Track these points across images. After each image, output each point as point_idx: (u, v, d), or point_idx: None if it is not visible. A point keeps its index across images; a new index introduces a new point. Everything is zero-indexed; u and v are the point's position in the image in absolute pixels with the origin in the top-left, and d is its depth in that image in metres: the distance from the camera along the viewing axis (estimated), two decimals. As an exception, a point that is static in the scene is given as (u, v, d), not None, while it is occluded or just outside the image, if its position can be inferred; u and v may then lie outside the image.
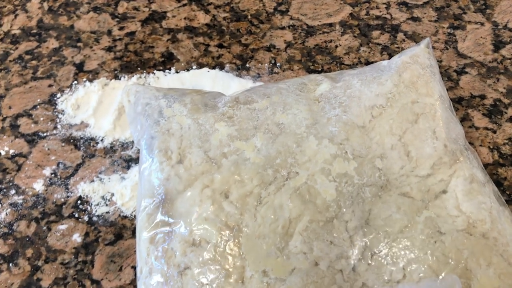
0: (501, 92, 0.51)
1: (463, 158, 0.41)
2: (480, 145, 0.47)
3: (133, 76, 0.54)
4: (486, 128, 0.49)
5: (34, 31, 0.59)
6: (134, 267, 0.41)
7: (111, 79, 0.54)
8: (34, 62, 0.56)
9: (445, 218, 0.38)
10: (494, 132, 0.48)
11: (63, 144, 0.49)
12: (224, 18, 0.58)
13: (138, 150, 0.48)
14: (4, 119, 0.51)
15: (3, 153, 0.49)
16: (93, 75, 0.54)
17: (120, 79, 0.54)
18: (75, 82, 0.54)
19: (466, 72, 0.52)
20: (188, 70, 0.54)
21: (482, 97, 0.51)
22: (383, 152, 0.42)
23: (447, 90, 0.48)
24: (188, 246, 0.37)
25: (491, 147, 0.47)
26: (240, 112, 0.43)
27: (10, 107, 0.52)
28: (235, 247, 0.37)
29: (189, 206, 0.38)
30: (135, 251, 0.42)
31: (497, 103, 0.50)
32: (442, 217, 0.38)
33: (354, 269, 0.36)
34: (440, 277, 0.35)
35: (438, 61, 0.53)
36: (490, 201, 0.38)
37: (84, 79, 0.54)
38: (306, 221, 0.38)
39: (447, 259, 0.36)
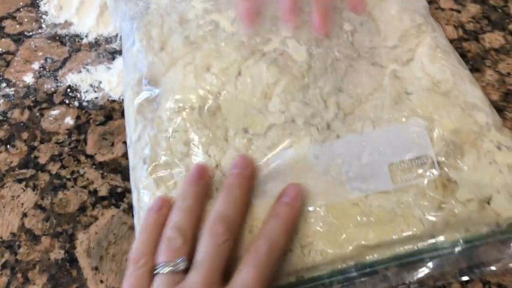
0: (466, -23, 0.53)
1: (428, 29, 0.43)
2: (446, 24, 0.50)
3: (112, -22, 0.55)
4: (451, 9, 0.51)
5: None
6: (125, 143, 0.44)
7: (91, -18, 0.55)
8: (13, -31, 0.57)
9: (411, 80, 0.40)
10: (459, 12, 0.51)
11: (49, 42, 0.51)
12: None
13: (121, 43, 0.50)
14: (-11, 22, 0.53)
15: (-9, 51, 0.50)
16: (73, -21, 0.55)
17: (100, -19, 0.55)
18: (56, -15, 0.55)
19: (433, -39, 0.55)
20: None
21: (448, -18, 0.53)
22: (354, 28, 0.44)
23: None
24: (173, 112, 0.39)
25: (456, 25, 0.50)
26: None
27: (-6, 11, 0.54)
28: (217, 110, 0.39)
29: (173, 82, 0.41)
30: (125, 129, 0.45)
31: (462, -14, 0.53)
32: (408, 79, 0.41)
33: (328, 126, 0.39)
34: (406, 120, 0.38)
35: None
36: (452, 65, 0.41)
37: (65, -17, 0.55)
38: (282, 85, 0.40)
39: (414, 113, 0.38)
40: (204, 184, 0.35)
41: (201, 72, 0.41)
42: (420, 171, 0.34)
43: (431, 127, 0.37)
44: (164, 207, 0.34)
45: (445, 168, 0.34)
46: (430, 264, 0.33)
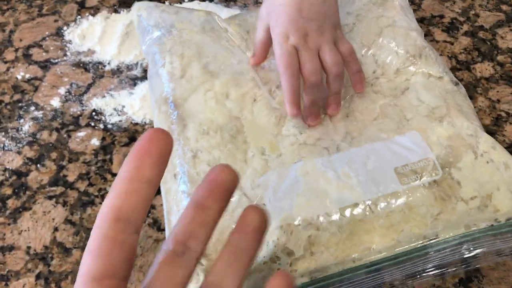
0: (457, 12, 0.59)
1: (421, 61, 0.48)
2: (440, 55, 0.55)
3: (131, 9, 0.59)
4: (445, 41, 0.56)
5: (35, -26, 0.64)
6: (148, 162, 0.48)
7: (111, 13, 0.59)
8: (38, 1, 0.61)
9: (409, 107, 0.45)
10: (452, 44, 0.56)
11: (73, 68, 0.55)
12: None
13: (142, 70, 0.54)
14: (16, 50, 0.56)
15: (19, 77, 0.54)
16: (95, 10, 0.60)
17: (119, 13, 0.59)
18: (79, 16, 0.59)
19: (427, -3, 0.60)
20: (180, 2, 0.60)
21: (441, 16, 0.58)
22: (358, 60, 0.48)
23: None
24: (199, 134, 0.43)
25: (450, 55, 0.55)
26: (239, 22, 0.49)
27: (21, 40, 0.57)
28: (237, 134, 0.43)
29: (196, 106, 0.45)
30: (148, 149, 0.48)
31: (454, 21, 0.58)
32: (407, 107, 0.45)
33: (337, 147, 0.43)
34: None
35: (402, -12, 0.60)
36: (445, 91, 0.46)
37: (87, 14, 0.59)
38: None
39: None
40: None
41: (221, 98, 0.45)
42: (424, 172, 0.38)
43: (427, 136, 0.41)
44: None
45: (447, 169, 0.38)
46: (433, 261, 0.37)
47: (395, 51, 0.48)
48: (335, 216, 0.37)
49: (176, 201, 0.40)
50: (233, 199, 0.39)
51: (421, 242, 0.37)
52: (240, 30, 0.50)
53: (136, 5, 0.50)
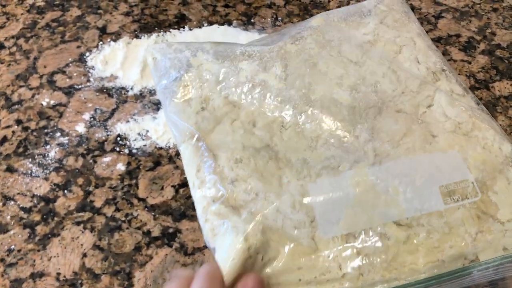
0: (474, 31, 0.59)
1: (443, 77, 0.49)
2: (458, 74, 0.55)
3: (151, 35, 0.61)
4: (463, 60, 0.57)
5: (57, 2, 0.65)
6: (173, 186, 0.48)
7: (132, 39, 0.60)
8: (61, 28, 0.62)
9: (435, 124, 0.45)
10: (470, 63, 0.56)
11: (97, 94, 0.56)
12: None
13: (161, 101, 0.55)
14: (41, 77, 0.58)
15: (44, 103, 0.55)
16: (116, 36, 0.61)
17: (140, 38, 0.60)
18: (101, 42, 0.60)
19: (443, 17, 0.61)
20: (200, 27, 0.61)
21: (458, 36, 0.59)
22: (377, 79, 0.49)
23: (427, 32, 0.56)
24: (233, 162, 0.43)
25: (468, 74, 0.55)
26: (257, 49, 0.50)
27: (45, 66, 0.58)
28: (270, 160, 0.44)
29: (223, 137, 0.45)
30: (173, 173, 0.49)
31: (471, 40, 0.58)
32: (433, 124, 0.45)
33: (372, 164, 0.43)
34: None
35: (417, 8, 0.61)
36: (469, 107, 0.46)
37: (109, 40, 0.60)
38: (324, 138, 0.45)
39: (443, 152, 0.43)
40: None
41: (249, 127, 0.46)
42: (465, 193, 0.39)
43: (465, 158, 0.42)
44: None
45: (484, 192, 0.39)
46: (472, 282, 0.38)
47: (416, 68, 0.48)
48: (382, 233, 0.38)
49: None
50: (273, 222, 0.40)
51: (461, 263, 0.38)
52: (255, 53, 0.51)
53: (148, 49, 0.51)
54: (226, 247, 0.39)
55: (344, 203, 0.40)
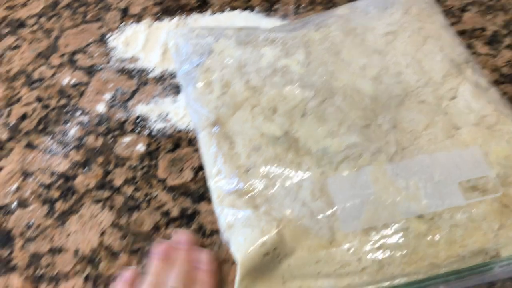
0: (499, 25, 0.58)
1: (467, 69, 0.48)
2: (483, 68, 0.55)
3: (173, 18, 0.60)
4: (488, 54, 0.56)
5: (80, -18, 0.65)
6: (193, 168, 0.48)
7: (154, 21, 0.60)
8: (82, 8, 0.62)
9: (459, 116, 0.45)
10: (494, 57, 0.56)
11: (118, 74, 0.55)
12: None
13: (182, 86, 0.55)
14: (62, 55, 0.57)
15: (65, 82, 0.55)
16: (138, 18, 0.61)
17: (162, 21, 0.60)
18: (123, 24, 0.60)
19: (468, 10, 0.60)
20: (222, 12, 0.61)
21: (483, 29, 0.58)
22: (400, 70, 0.49)
23: (451, 25, 0.55)
24: (251, 149, 0.43)
25: (493, 69, 0.55)
26: (280, 35, 0.50)
27: (66, 46, 0.58)
28: (289, 148, 0.43)
29: (242, 123, 0.45)
30: (192, 156, 0.49)
31: (496, 34, 0.58)
32: (456, 115, 0.45)
33: (391, 159, 0.43)
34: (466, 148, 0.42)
35: (442, 1, 0.61)
36: (494, 101, 0.46)
37: (131, 21, 0.60)
38: (346, 127, 0.44)
39: (466, 145, 0.43)
40: (172, 262, 0.40)
41: (269, 114, 0.45)
42: (486, 189, 0.39)
43: (486, 153, 0.42)
44: (137, 279, 0.40)
45: (505, 188, 0.39)
46: (492, 278, 0.37)
47: (441, 60, 0.48)
48: (403, 227, 0.38)
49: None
50: (290, 211, 0.40)
51: (481, 258, 0.37)
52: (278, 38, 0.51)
53: (170, 34, 0.51)
54: (241, 241, 0.39)
55: (365, 198, 0.40)
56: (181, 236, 0.42)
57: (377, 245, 0.38)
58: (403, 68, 0.49)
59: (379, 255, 0.38)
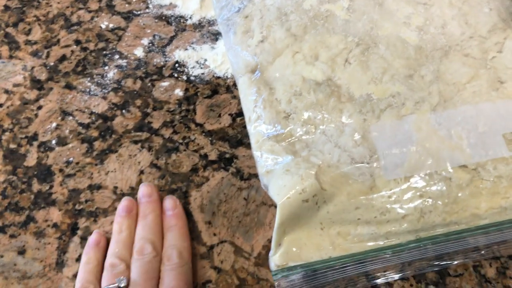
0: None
1: None
2: (526, 27, 0.53)
3: (212, -33, 0.59)
4: (532, 14, 0.55)
5: None
6: (230, 114, 0.48)
7: (192, -31, 0.59)
8: (120, -46, 0.62)
9: (504, 70, 0.44)
10: (539, 16, 0.55)
11: (156, 20, 0.55)
12: None
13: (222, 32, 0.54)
14: (100, 0, 0.57)
15: (103, 26, 0.55)
16: (176, -34, 0.60)
17: (200, -31, 0.59)
18: (160, -29, 0.59)
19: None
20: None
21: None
22: (445, 22, 0.48)
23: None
24: (292, 95, 0.43)
25: (536, 28, 0.54)
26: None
27: (104, -10, 0.58)
28: (331, 94, 0.43)
29: (283, 69, 0.45)
30: (230, 103, 0.49)
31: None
32: (501, 70, 0.44)
33: (434, 109, 0.42)
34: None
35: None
36: (541, 56, 0.45)
37: (168, -31, 0.60)
38: (389, 76, 0.44)
39: (510, 98, 0.42)
40: (134, 215, 0.41)
41: (311, 60, 0.45)
42: None
43: None
44: (102, 241, 0.41)
45: None
46: None
47: (488, 13, 0.47)
48: (446, 176, 0.38)
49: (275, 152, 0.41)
50: (330, 157, 0.40)
51: None
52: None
53: None
54: (280, 186, 0.39)
55: (408, 146, 0.39)
56: (143, 189, 0.43)
57: (419, 193, 0.38)
58: (449, 20, 0.48)
59: (421, 203, 0.38)
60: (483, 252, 0.40)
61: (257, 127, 0.43)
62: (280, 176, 0.40)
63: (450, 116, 0.41)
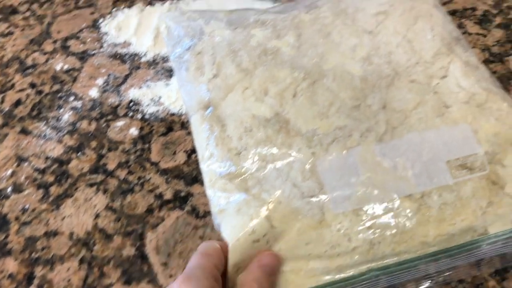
0: (490, 5, 0.59)
1: (458, 48, 0.48)
2: (473, 47, 0.55)
3: (165, 2, 0.60)
4: (478, 34, 0.56)
5: (71, -33, 0.65)
6: (186, 151, 0.49)
7: (146, 5, 0.60)
8: (74, -6, 0.62)
9: (449, 94, 0.45)
10: (485, 36, 0.56)
11: (111, 59, 0.56)
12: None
13: (174, 69, 0.55)
14: (55, 42, 0.58)
15: (58, 68, 0.55)
16: (130, 3, 0.61)
17: (154, 5, 0.60)
18: (115, 9, 0.60)
19: (459, -10, 0.60)
20: (214, -4, 0.61)
21: (473, 9, 0.58)
22: (391, 50, 0.49)
23: (443, 4, 0.55)
24: (242, 132, 0.44)
25: (483, 48, 0.55)
26: (271, 17, 0.50)
27: (58, 32, 0.59)
28: (280, 129, 0.44)
29: (234, 105, 0.45)
30: (185, 139, 0.49)
31: (486, 13, 0.58)
32: (446, 94, 0.45)
33: (380, 139, 0.43)
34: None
35: (434, -19, 0.61)
36: (483, 79, 0.46)
37: (123, 6, 0.60)
38: (336, 108, 0.45)
39: (456, 123, 0.43)
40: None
41: (260, 96, 0.46)
42: (474, 167, 0.39)
43: (475, 131, 0.42)
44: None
45: (493, 165, 0.39)
46: (479, 255, 0.38)
47: (431, 39, 0.48)
48: (393, 207, 0.38)
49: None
50: (281, 192, 0.40)
51: (470, 236, 0.38)
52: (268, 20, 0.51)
53: (161, 17, 0.51)
54: (231, 226, 0.39)
55: (354, 178, 0.40)
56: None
57: (367, 225, 0.39)
58: (394, 48, 0.49)
59: (370, 234, 0.39)
60: (434, 279, 0.40)
61: (210, 165, 0.43)
62: (232, 216, 0.40)
63: (395, 147, 0.41)
